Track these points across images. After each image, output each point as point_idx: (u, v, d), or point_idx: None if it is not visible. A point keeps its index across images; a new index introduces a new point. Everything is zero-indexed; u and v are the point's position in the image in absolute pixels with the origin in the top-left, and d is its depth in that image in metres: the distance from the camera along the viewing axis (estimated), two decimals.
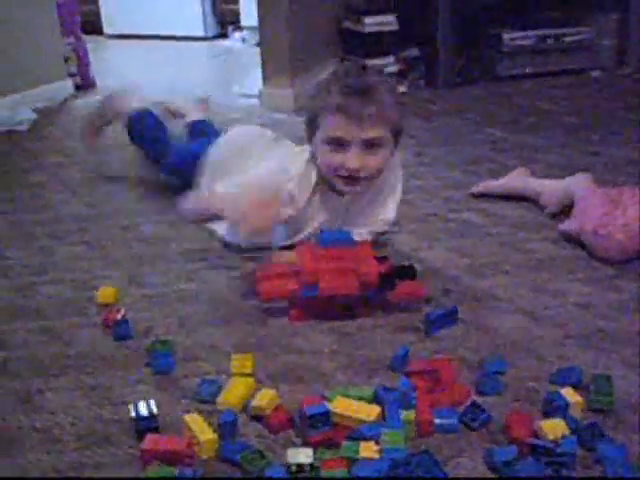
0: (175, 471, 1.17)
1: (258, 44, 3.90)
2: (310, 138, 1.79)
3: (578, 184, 2.11)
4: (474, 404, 1.30)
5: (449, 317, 1.61)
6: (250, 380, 1.41)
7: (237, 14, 5.70)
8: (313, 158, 1.78)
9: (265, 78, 3.66)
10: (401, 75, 3.84)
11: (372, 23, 3.70)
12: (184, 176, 2.13)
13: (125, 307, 1.71)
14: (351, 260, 1.62)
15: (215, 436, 1.25)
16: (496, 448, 1.21)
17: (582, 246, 1.94)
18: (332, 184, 1.79)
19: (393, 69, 3.79)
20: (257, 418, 1.32)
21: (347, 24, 3.82)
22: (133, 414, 1.30)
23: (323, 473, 1.16)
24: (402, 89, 3.81)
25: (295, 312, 1.65)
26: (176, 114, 2.70)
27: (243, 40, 5.64)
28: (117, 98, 2.66)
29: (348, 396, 1.30)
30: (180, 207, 1.75)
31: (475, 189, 2.37)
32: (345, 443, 1.21)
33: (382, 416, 1.26)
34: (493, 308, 1.69)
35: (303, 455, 1.17)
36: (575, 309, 1.67)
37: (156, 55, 5.34)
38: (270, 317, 1.67)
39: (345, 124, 1.68)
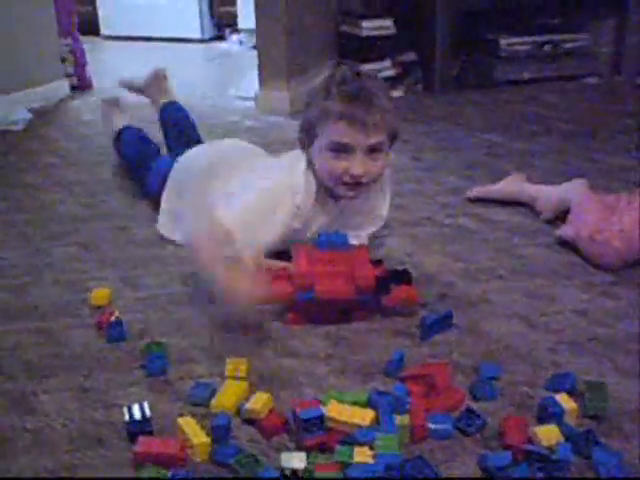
0: (168, 474, 1.17)
1: (255, 47, 3.90)
2: (307, 145, 1.78)
3: (574, 190, 2.11)
4: (469, 410, 1.30)
5: (444, 322, 1.61)
6: (244, 384, 1.40)
7: (234, 17, 5.70)
8: (310, 165, 1.78)
9: (262, 81, 3.66)
10: (398, 79, 3.84)
11: (369, 27, 3.70)
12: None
13: (119, 309, 1.70)
14: (347, 264, 1.62)
15: (208, 439, 1.24)
16: (490, 454, 1.21)
17: (578, 252, 1.94)
18: (330, 190, 1.78)
19: (390, 73, 3.79)
20: (251, 422, 1.31)
21: (344, 28, 3.82)
22: (127, 417, 1.29)
23: (316, 474, 1.15)
24: (398, 93, 3.82)
25: (292, 315, 1.65)
26: (137, 90, 2.76)
27: (240, 43, 5.64)
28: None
29: (342, 400, 1.30)
30: (184, 238, 1.68)
31: (471, 193, 2.37)
32: (339, 448, 1.20)
33: (376, 421, 1.26)
34: (488, 313, 1.69)
35: (297, 459, 1.17)
36: (571, 315, 1.67)
37: (153, 57, 5.33)
38: (265, 320, 1.67)
39: (350, 131, 1.67)
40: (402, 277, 1.66)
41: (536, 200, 2.22)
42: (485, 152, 2.87)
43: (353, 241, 1.74)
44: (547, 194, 2.20)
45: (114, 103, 2.76)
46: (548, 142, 2.97)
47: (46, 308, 1.77)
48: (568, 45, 3.97)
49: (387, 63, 3.79)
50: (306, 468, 1.16)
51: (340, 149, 1.70)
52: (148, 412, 1.30)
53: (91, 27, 5.75)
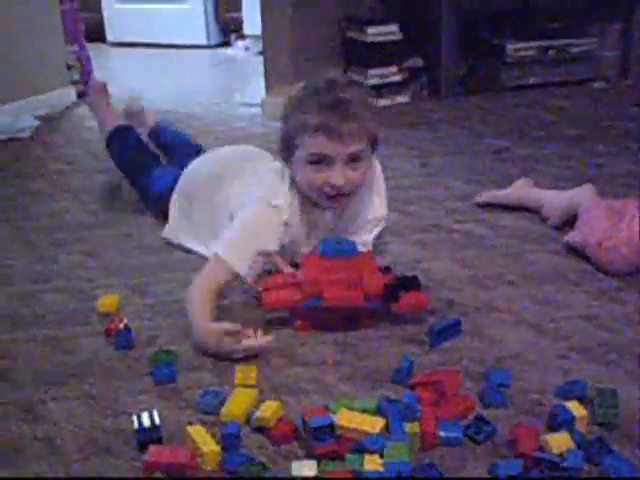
0: None
1: (261, 53, 3.90)
2: (287, 160, 1.77)
3: (582, 196, 2.10)
4: (479, 417, 1.29)
5: (453, 329, 1.61)
6: (254, 392, 1.40)
7: (240, 22, 5.70)
8: (292, 179, 1.77)
9: (268, 87, 3.66)
10: (404, 85, 3.84)
11: (375, 33, 3.69)
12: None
13: (127, 316, 1.70)
14: (355, 271, 1.61)
15: (218, 448, 1.24)
16: (501, 462, 1.20)
17: (586, 258, 1.93)
18: (314, 201, 1.78)
19: (396, 79, 3.79)
20: (260, 430, 1.31)
21: (350, 34, 3.82)
22: (136, 425, 1.29)
23: None
24: (404, 99, 3.81)
25: (301, 323, 1.65)
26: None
27: (246, 49, 5.64)
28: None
29: (352, 408, 1.29)
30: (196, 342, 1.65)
31: (479, 198, 2.36)
32: (349, 456, 1.20)
33: (386, 428, 1.26)
34: (497, 320, 1.68)
35: (307, 468, 1.16)
36: (580, 321, 1.66)
37: (159, 63, 5.35)
38: (274, 328, 1.66)
39: (327, 142, 1.66)
40: (411, 284, 1.65)
41: (543, 206, 2.21)
42: (492, 157, 2.86)
43: (360, 248, 1.73)
44: (554, 200, 2.19)
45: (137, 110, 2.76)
46: (554, 147, 2.96)
47: (54, 316, 1.78)
48: (574, 50, 3.96)
49: (393, 69, 3.78)
50: (316, 476, 1.16)
51: (319, 161, 1.68)
52: (157, 420, 1.29)
53: (97, 34, 5.76)
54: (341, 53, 3.91)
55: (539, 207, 2.22)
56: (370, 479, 1.15)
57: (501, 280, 1.87)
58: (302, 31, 3.55)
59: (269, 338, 1.55)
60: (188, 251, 2.06)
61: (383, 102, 3.70)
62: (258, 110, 3.70)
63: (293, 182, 1.76)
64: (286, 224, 1.74)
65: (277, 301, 1.63)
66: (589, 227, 1.95)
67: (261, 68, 3.69)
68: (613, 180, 2.51)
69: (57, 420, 1.37)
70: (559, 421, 1.27)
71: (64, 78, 4.05)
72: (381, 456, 1.19)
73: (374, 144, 1.76)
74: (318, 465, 1.17)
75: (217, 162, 2.13)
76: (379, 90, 3.70)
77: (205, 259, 1.83)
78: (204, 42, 5.89)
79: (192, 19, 5.83)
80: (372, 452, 1.19)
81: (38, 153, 3.18)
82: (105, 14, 6.04)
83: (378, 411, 1.31)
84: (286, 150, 1.75)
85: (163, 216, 2.19)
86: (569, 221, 2.10)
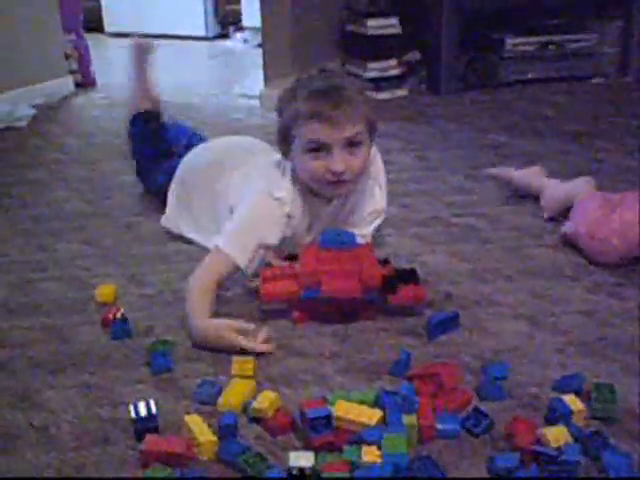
0: (175, 472, 1.16)
1: (259, 45, 3.90)
2: (286, 152, 1.76)
3: (580, 189, 2.10)
4: (477, 410, 1.29)
5: (451, 322, 1.61)
6: (251, 382, 1.40)
7: (239, 14, 5.69)
8: (293, 172, 1.76)
9: (266, 79, 3.65)
10: (402, 79, 3.83)
11: (375, 26, 3.68)
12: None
13: (124, 306, 1.70)
14: (354, 263, 1.61)
15: (215, 438, 1.24)
16: (499, 455, 1.20)
17: (580, 250, 1.94)
18: (316, 192, 1.77)
19: (395, 73, 3.78)
20: (257, 420, 1.31)
21: (350, 26, 3.81)
22: (133, 414, 1.28)
23: (324, 474, 1.15)
24: (403, 93, 3.81)
25: (299, 314, 1.64)
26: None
27: (244, 41, 5.63)
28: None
29: (350, 400, 1.29)
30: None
31: (489, 170, 2.37)
32: (347, 447, 1.20)
33: (384, 420, 1.25)
34: (495, 313, 1.68)
35: (305, 459, 1.16)
36: (578, 316, 1.66)
37: (157, 54, 5.32)
38: (271, 319, 1.66)
39: (322, 128, 1.65)
40: (409, 276, 1.65)
41: (544, 195, 2.21)
42: (491, 152, 2.85)
43: (359, 240, 1.73)
44: (554, 191, 2.19)
45: (147, 51, 2.67)
46: (554, 142, 2.95)
47: (51, 305, 1.77)
48: (574, 45, 3.95)
49: (392, 62, 3.78)
50: (313, 467, 1.15)
51: (317, 148, 1.68)
52: (154, 409, 1.29)
53: (95, 24, 5.74)
54: (340, 46, 3.91)
55: (540, 194, 2.22)
56: (370, 477, 1.15)
57: (499, 274, 1.87)
58: (301, 23, 3.54)
59: (269, 347, 1.53)
60: (187, 241, 2.06)
61: (382, 95, 3.70)
62: (256, 102, 3.69)
63: (294, 174, 1.76)
64: (288, 216, 1.74)
65: (275, 293, 1.63)
66: (580, 217, 1.96)
67: (259, 60, 3.68)
68: (612, 176, 2.51)
69: (53, 409, 1.37)
70: (557, 415, 1.27)
71: (62, 67, 4.03)
72: (378, 448, 1.18)
73: (371, 130, 1.74)
74: (315, 456, 1.17)
75: (217, 151, 2.12)
76: (378, 83, 3.70)
77: (204, 249, 1.83)
78: (202, 34, 5.88)
79: (191, 10, 5.82)
80: (370, 444, 1.19)
81: (35, 142, 3.17)
82: (103, 4, 6.02)
83: (376, 403, 1.30)
84: (284, 142, 1.74)
85: (162, 205, 2.18)
86: (565, 213, 2.10)
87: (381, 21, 3.71)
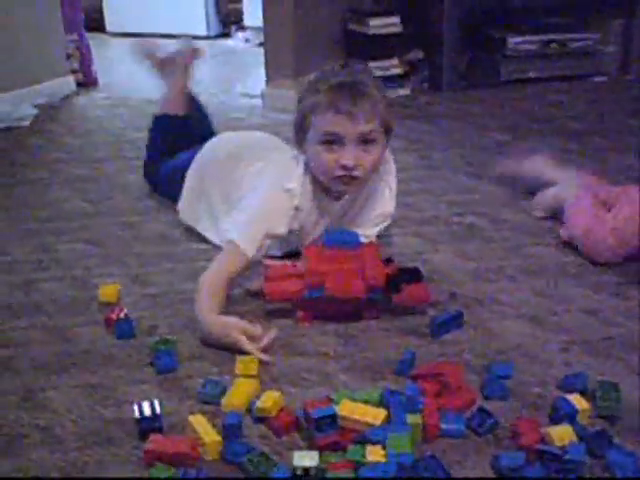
0: (179, 472, 1.16)
1: (261, 44, 3.89)
2: (301, 143, 1.77)
3: (567, 191, 2.10)
4: (481, 409, 1.29)
5: (454, 321, 1.60)
6: (255, 382, 1.40)
7: (240, 14, 5.68)
8: (306, 165, 1.77)
9: (268, 78, 3.65)
10: (405, 78, 3.83)
11: (377, 25, 3.68)
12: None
13: (127, 306, 1.70)
14: (358, 262, 1.61)
15: (219, 438, 1.23)
16: (503, 454, 1.20)
17: (576, 249, 1.96)
18: (327, 188, 1.78)
19: (397, 71, 3.78)
20: (261, 420, 1.31)
21: (352, 25, 3.81)
22: (137, 414, 1.28)
23: (329, 474, 1.15)
24: (405, 92, 3.81)
25: (302, 313, 1.64)
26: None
27: (246, 40, 5.62)
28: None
29: (354, 399, 1.29)
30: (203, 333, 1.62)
31: (501, 168, 2.40)
32: (351, 447, 1.20)
33: (388, 420, 1.25)
34: (498, 313, 1.68)
35: (309, 458, 1.16)
36: (581, 315, 1.66)
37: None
38: (275, 318, 1.66)
39: (338, 120, 1.66)
40: (413, 275, 1.65)
41: (536, 193, 2.23)
42: (493, 151, 2.85)
43: (362, 239, 1.73)
44: (545, 193, 2.20)
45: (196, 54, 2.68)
46: (555, 141, 2.95)
47: (53, 305, 1.77)
48: (575, 44, 3.95)
49: (394, 61, 3.77)
50: (318, 467, 1.15)
51: (330, 140, 1.68)
52: (158, 409, 1.29)
53: (97, 23, 5.73)
54: (342, 45, 3.90)
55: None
56: (374, 477, 1.15)
57: (502, 273, 1.87)
58: (304, 23, 3.54)
59: (268, 358, 1.51)
60: (190, 241, 2.06)
61: None
62: (258, 101, 3.69)
63: (307, 168, 1.77)
64: (297, 209, 1.74)
65: (278, 292, 1.63)
66: (574, 222, 1.97)
67: (261, 60, 3.68)
68: (614, 174, 2.50)
69: (57, 409, 1.37)
70: (561, 414, 1.27)
71: (64, 67, 4.03)
72: (383, 447, 1.18)
73: (387, 130, 1.74)
74: (320, 456, 1.17)
75: (236, 144, 2.12)
76: None
77: (207, 250, 1.83)
78: (204, 33, 5.87)
79: (192, 10, 5.81)
80: (374, 443, 1.19)
81: (37, 142, 3.17)
82: (105, 3, 6.01)
83: (380, 402, 1.30)
84: (300, 131, 1.75)
85: (165, 205, 2.17)
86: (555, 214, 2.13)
87: (383, 20, 3.71)
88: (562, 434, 1.21)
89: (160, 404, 1.30)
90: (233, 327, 1.52)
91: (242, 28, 5.72)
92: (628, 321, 1.63)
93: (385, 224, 1.92)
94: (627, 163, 2.64)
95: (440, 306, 1.70)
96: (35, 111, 3.58)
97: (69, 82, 4.05)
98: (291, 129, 1.79)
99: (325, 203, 1.81)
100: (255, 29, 5.11)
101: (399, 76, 3.79)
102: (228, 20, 5.95)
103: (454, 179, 2.56)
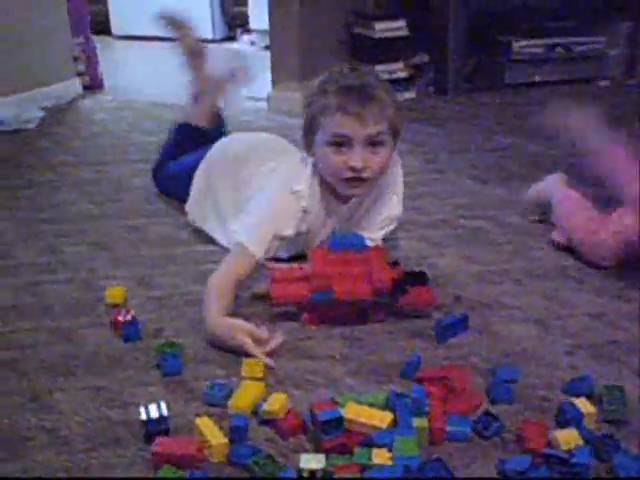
0: (185, 474, 1.16)
1: (267, 47, 3.89)
2: (309, 145, 1.78)
3: (552, 188, 2.11)
4: (487, 412, 1.29)
5: (460, 324, 1.60)
6: (261, 384, 1.40)
7: (246, 17, 5.69)
8: (314, 167, 1.78)
9: (274, 82, 3.66)
10: (410, 81, 3.83)
11: (382, 29, 3.68)
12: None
13: (133, 308, 1.70)
14: (364, 265, 1.61)
15: (226, 440, 1.24)
16: (509, 457, 1.20)
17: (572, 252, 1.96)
18: (335, 190, 1.78)
19: (402, 75, 3.78)
20: (267, 422, 1.31)
21: (357, 29, 3.81)
22: (143, 416, 1.28)
23: (335, 477, 1.15)
24: (410, 95, 3.81)
25: (308, 316, 1.64)
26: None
27: (252, 43, 5.63)
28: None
29: (360, 402, 1.29)
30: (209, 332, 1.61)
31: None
32: (357, 450, 1.20)
33: (394, 423, 1.25)
34: (504, 316, 1.68)
35: (315, 461, 1.16)
36: (586, 318, 1.66)
37: (164, 56, 5.33)
38: (280, 321, 1.66)
39: (347, 122, 1.67)
40: (418, 278, 1.65)
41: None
42: (498, 154, 2.85)
43: (368, 243, 1.73)
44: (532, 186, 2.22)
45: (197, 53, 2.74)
46: (561, 145, 2.95)
47: (60, 307, 1.77)
48: (580, 48, 3.95)
49: (400, 65, 3.78)
50: (324, 470, 1.15)
51: (339, 142, 1.69)
52: (165, 411, 1.29)
53: (102, 27, 5.75)
54: (348, 48, 3.91)
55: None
56: (378, 479, 1.15)
57: (507, 276, 1.87)
58: (309, 26, 3.55)
59: (272, 363, 1.50)
60: (196, 243, 2.06)
61: None
62: (264, 104, 3.69)
63: (315, 170, 1.77)
64: (305, 211, 1.75)
65: (285, 295, 1.63)
66: (570, 225, 1.98)
67: (267, 63, 3.68)
68: None
69: (64, 411, 1.37)
70: (567, 417, 1.27)
71: (70, 70, 4.04)
72: (389, 450, 1.18)
73: (395, 133, 1.75)
74: (326, 458, 1.17)
75: (246, 145, 2.12)
76: None
77: (214, 252, 1.83)
78: (210, 36, 5.87)
79: (198, 13, 5.80)
80: (380, 446, 1.19)
81: (44, 144, 3.18)
82: (110, 7, 6.02)
83: (386, 405, 1.30)
84: (309, 133, 1.76)
85: (171, 207, 2.18)
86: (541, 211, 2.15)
87: (389, 24, 3.72)
88: (568, 438, 1.21)
89: (167, 406, 1.31)
90: (239, 329, 1.53)
91: (248, 31, 5.72)
92: (632, 324, 1.63)
93: (391, 227, 1.92)
94: None
95: (445, 309, 1.70)
96: (42, 114, 3.60)
97: (75, 85, 4.06)
98: (297, 132, 1.80)
99: (333, 205, 1.82)
100: (261, 32, 5.11)
101: (404, 79, 3.80)
102: (234, 23, 5.96)
103: (459, 182, 2.57)
